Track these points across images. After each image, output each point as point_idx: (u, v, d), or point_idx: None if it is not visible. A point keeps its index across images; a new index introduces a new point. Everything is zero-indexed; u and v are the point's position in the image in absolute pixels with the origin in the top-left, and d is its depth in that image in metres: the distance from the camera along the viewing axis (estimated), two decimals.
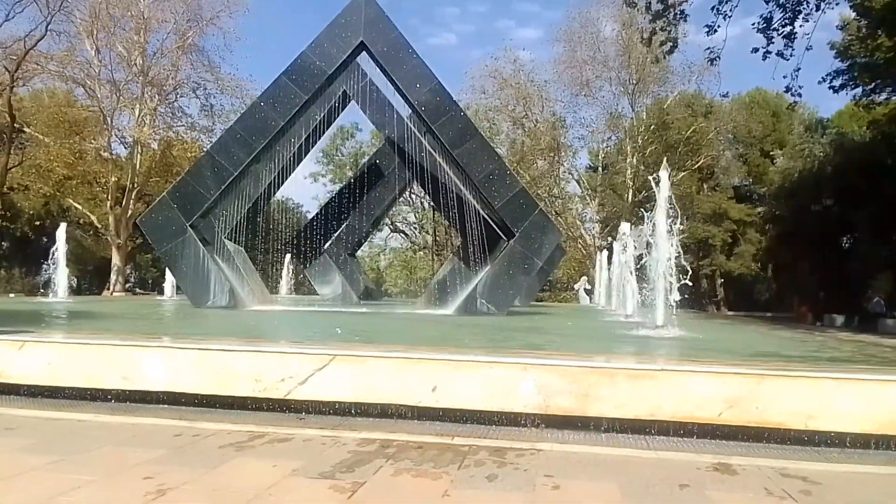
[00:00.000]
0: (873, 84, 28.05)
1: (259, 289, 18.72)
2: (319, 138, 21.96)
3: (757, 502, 3.14)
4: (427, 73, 15.69)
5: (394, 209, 46.36)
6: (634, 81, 41.76)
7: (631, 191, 41.56)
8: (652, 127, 42.33)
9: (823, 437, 4.21)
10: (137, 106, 35.27)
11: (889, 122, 28.51)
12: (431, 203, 31.36)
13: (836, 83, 28.39)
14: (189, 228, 14.76)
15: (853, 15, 25.90)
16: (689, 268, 9.39)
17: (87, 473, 3.30)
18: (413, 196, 49.80)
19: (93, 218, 36.33)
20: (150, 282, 46.82)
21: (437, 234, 52.41)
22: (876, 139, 30.13)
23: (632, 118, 43.04)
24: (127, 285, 37.41)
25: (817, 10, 18.26)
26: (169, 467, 3.42)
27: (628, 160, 42.54)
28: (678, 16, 18.30)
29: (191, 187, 15.26)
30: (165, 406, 4.96)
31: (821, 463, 3.93)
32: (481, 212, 17.45)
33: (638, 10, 19.48)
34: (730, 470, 3.67)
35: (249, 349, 5.08)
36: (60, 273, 20.88)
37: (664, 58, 23.07)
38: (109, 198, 35.20)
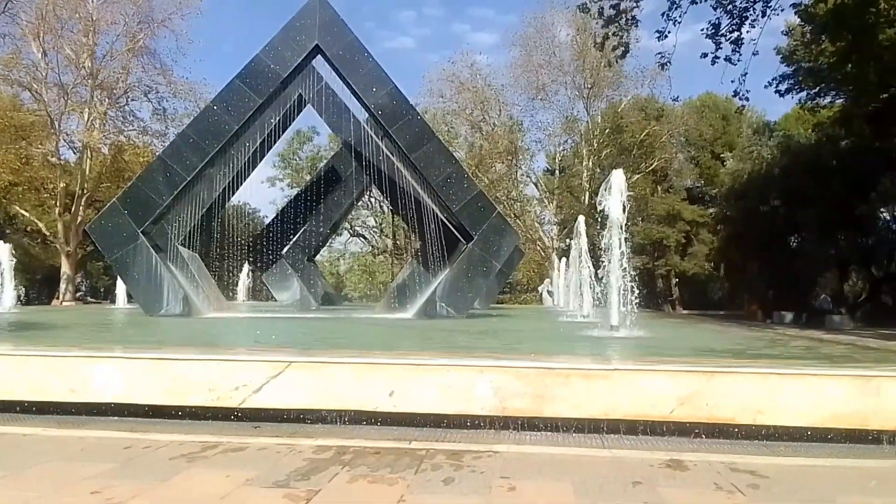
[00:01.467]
0: (817, 88, 28.96)
1: (215, 295, 18.42)
2: (275, 142, 21.77)
3: (707, 497, 3.21)
4: (383, 77, 15.67)
5: (353, 213, 46.14)
6: (589, 85, 42.39)
7: (587, 193, 42.14)
8: (607, 130, 43.04)
9: (771, 432, 4.33)
10: (86, 110, 34.35)
11: (833, 125, 29.47)
12: (390, 207, 31.28)
13: (782, 87, 29.21)
14: (140, 235, 14.44)
15: (798, 21, 26.70)
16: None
17: (32, 489, 3.19)
18: (372, 200, 49.63)
19: (41, 225, 35.25)
20: (101, 290, 45.58)
21: (396, 237, 52.30)
22: (821, 141, 31.12)
23: (587, 121, 43.70)
24: (77, 294, 36.35)
25: (763, 16, 18.79)
26: (117, 481, 3.32)
27: (584, 163, 43.14)
28: (629, 21, 18.62)
29: (142, 193, 14.93)
30: (115, 418, 4.82)
31: (769, 457, 4.04)
32: (440, 215, 17.49)
33: (591, 15, 19.76)
34: (681, 466, 3.74)
35: (202, 357, 4.98)
36: (6, 284, 20.22)
37: (617, 62, 23.49)
38: (58, 204, 34.20)
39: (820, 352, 7.95)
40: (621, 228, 9.52)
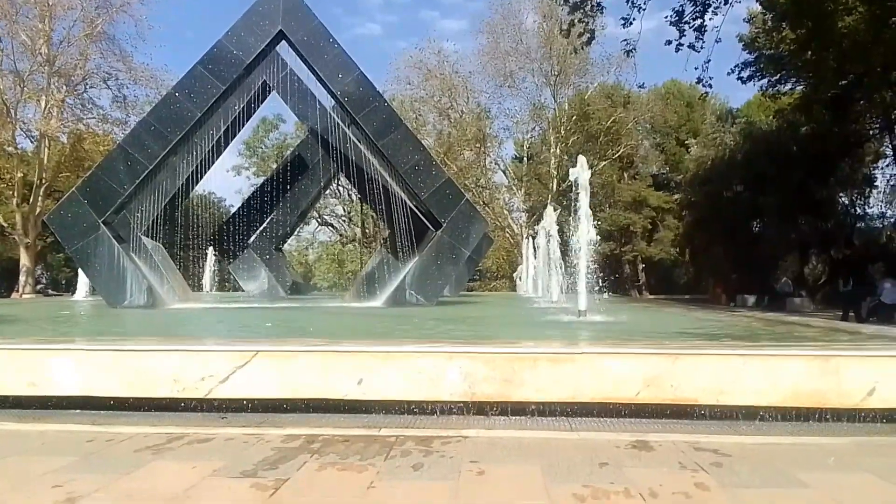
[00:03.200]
0: (778, 75, 29.45)
1: (180, 286, 18.14)
2: (240, 130, 21.43)
3: (672, 476, 3.27)
4: (349, 63, 15.51)
5: (321, 202, 45.74)
6: (556, 73, 42.56)
7: (555, 180, 42.42)
8: (574, 117, 43.30)
9: (734, 411, 4.42)
10: (43, 97, 33.37)
11: (794, 111, 29.98)
12: (358, 195, 31.08)
13: (744, 74, 29.62)
14: (101, 225, 14.12)
15: (759, 8, 27.13)
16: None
17: None
18: (341, 188, 49.27)
19: None
20: (63, 282, 44.48)
21: (365, 226, 52.04)
22: (782, 127, 31.64)
23: (554, 109, 43.89)
24: (38, 286, 35.43)
25: (725, 4, 19.10)
26: (79, 475, 3.26)
27: (552, 150, 43.39)
28: (595, 8, 18.75)
29: (102, 182, 14.58)
30: (78, 411, 4.72)
31: (731, 436, 4.13)
32: (408, 203, 17.43)
33: (556, 1, 19.84)
34: (647, 447, 3.81)
35: (166, 348, 4.89)
36: None
37: (582, 49, 23.59)
38: (15, 195, 33.29)
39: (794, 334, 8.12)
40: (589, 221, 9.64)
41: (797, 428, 4.34)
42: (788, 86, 30.00)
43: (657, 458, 3.60)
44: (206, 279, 28.85)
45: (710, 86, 20.63)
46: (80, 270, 21.24)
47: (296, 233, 42.22)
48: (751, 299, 25.87)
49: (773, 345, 5.72)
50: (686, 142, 47.17)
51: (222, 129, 17.48)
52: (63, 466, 3.42)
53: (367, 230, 52.09)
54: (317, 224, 55.67)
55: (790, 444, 4.04)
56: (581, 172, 9.93)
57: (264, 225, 25.59)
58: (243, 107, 18.21)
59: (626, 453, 3.68)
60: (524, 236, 41.98)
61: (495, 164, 48.50)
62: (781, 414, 4.42)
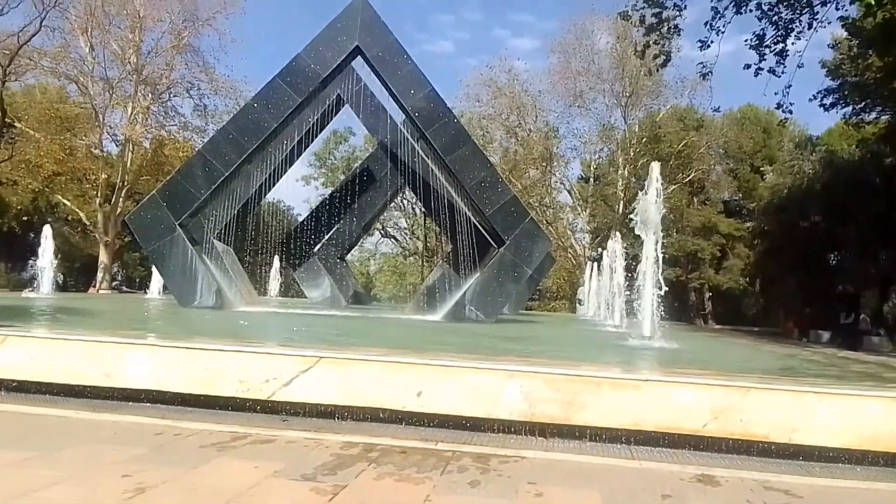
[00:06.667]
0: (863, 103, 28.31)
1: (247, 290, 18.64)
2: (312, 141, 21.98)
3: None
4: (421, 79, 15.69)
5: (385, 214, 46.33)
6: (628, 94, 42.00)
7: (622, 202, 41.74)
8: (644, 140, 42.58)
9: (806, 451, 4.22)
10: (130, 104, 35.12)
11: (878, 141, 28.75)
12: (423, 209, 31.36)
13: (827, 101, 28.59)
14: (178, 227, 14.65)
15: (845, 34, 26.18)
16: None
17: (63, 470, 3.25)
18: (405, 201, 49.79)
19: (81, 215, 36.08)
20: (137, 280, 46.46)
21: (427, 240, 52.39)
22: (865, 157, 30.38)
23: (624, 130, 43.28)
24: (114, 283, 37.09)
25: (809, 29, 18.48)
26: (148, 466, 3.37)
27: (620, 172, 42.76)
28: (672, 30, 18.45)
29: (181, 186, 15.16)
30: (148, 404, 4.89)
31: (803, 476, 3.94)
32: (472, 219, 17.46)
33: (632, 22, 19.63)
34: (713, 481, 3.67)
35: (234, 349, 5.02)
36: (46, 269, 20.74)
37: (657, 71, 23.26)
38: (99, 195, 35.00)
39: None
40: (656, 242, 9.41)
41: (875, 473, 4.11)
42: (873, 115, 28.80)
43: (724, 494, 3.46)
44: (272, 285, 29.58)
45: (791, 112, 20.00)
46: (154, 270, 22.08)
47: (359, 243, 42.85)
48: (825, 335, 24.73)
49: (852, 383, 5.44)
50: (761, 168, 45.68)
51: (296, 140, 17.96)
52: (133, 457, 3.55)
53: (429, 244, 52.42)
54: (380, 236, 56.41)
55: (865, 489, 3.83)
56: (652, 185, 9.72)
57: (330, 234, 26.07)
58: (317, 119, 18.69)
59: (690, 486, 3.55)
60: (587, 258, 41.40)
61: (561, 183, 48.10)
62: (858, 457, 4.19)
